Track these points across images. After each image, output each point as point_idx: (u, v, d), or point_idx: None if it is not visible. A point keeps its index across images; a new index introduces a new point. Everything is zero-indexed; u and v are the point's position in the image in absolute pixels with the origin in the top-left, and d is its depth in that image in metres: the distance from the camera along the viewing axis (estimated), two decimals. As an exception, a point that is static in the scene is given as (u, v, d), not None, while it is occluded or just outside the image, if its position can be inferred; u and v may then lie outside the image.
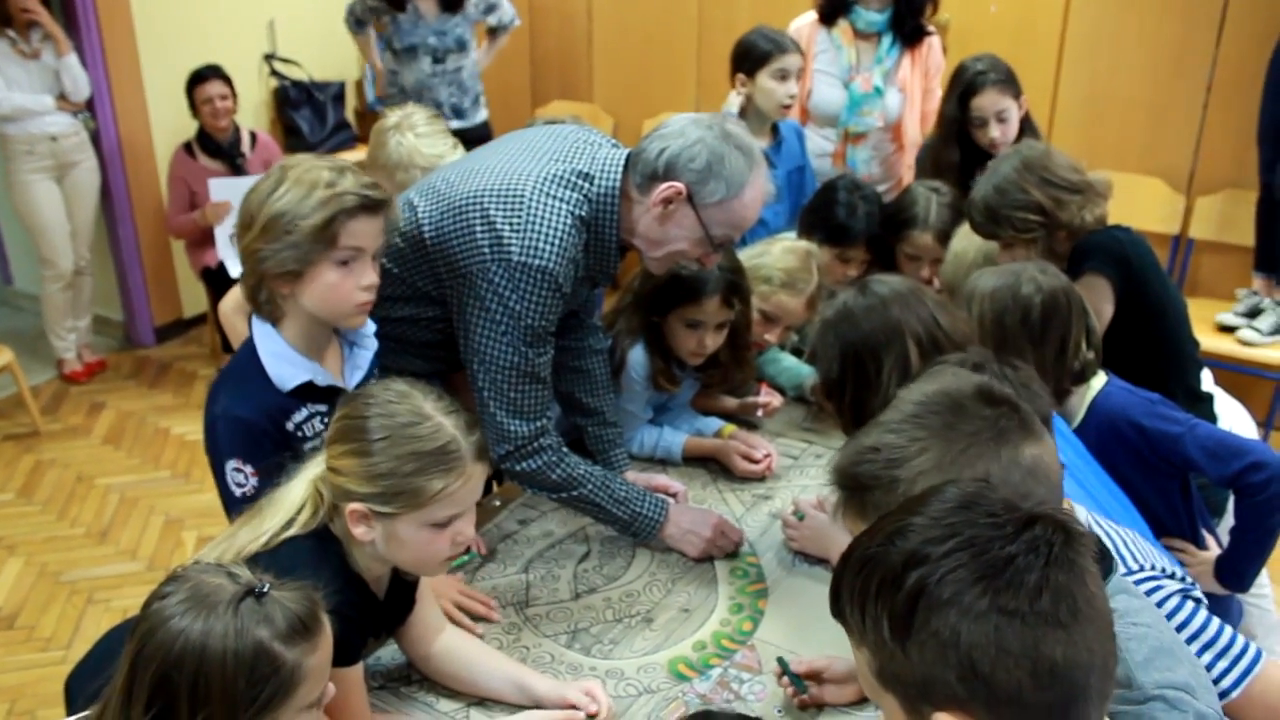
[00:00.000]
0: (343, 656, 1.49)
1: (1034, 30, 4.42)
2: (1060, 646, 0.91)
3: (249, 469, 1.74)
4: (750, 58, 3.16)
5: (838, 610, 1.03)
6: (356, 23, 4.76)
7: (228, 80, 4.73)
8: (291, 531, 1.49)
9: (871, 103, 3.45)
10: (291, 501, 1.52)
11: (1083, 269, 2.40)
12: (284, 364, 1.79)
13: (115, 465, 4.29)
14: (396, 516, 1.48)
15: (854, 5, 3.41)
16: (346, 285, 1.76)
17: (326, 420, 1.77)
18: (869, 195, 2.89)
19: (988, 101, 3.03)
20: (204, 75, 4.67)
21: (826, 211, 2.86)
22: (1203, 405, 2.45)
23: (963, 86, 3.08)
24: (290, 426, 1.78)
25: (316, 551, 1.50)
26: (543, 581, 2.07)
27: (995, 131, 3.04)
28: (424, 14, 4.55)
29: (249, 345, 1.83)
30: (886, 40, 3.44)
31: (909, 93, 3.50)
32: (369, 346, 1.94)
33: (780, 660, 1.76)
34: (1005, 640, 0.90)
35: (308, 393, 1.80)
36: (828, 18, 3.48)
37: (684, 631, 1.93)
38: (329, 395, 1.80)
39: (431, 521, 1.50)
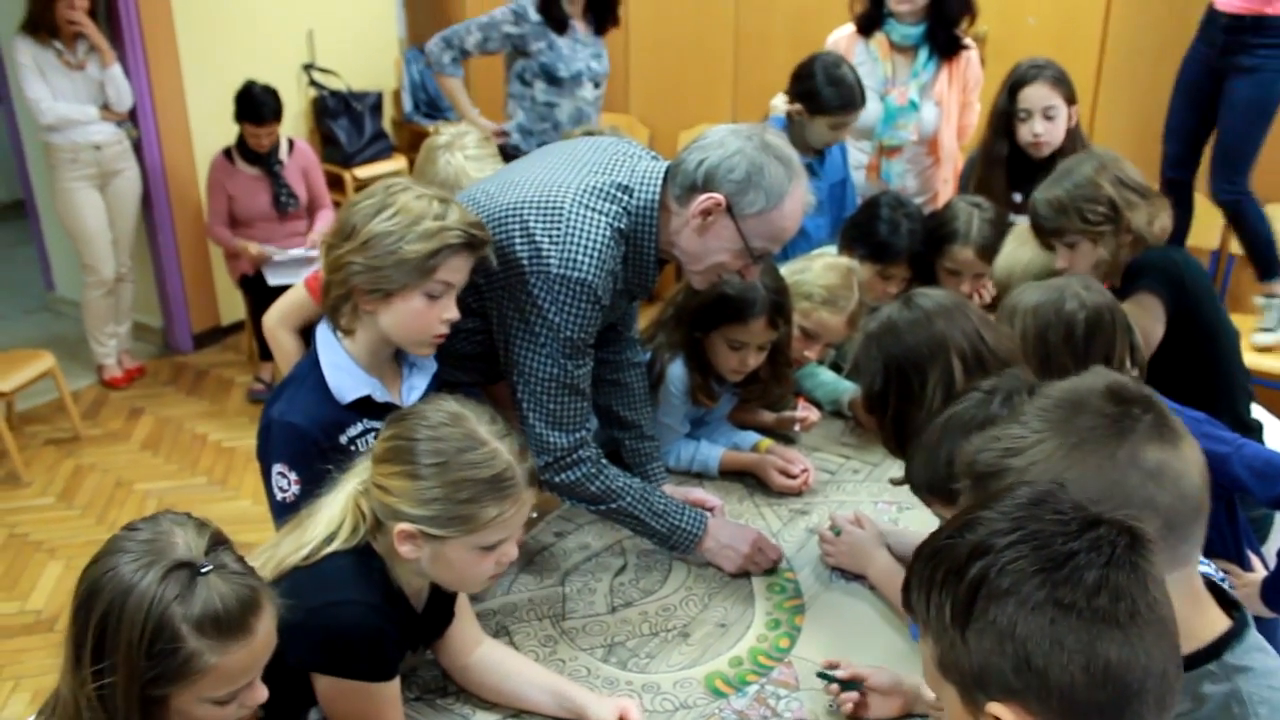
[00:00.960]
0: (380, 672, 1.50)
1: (1074, 43, 4.39)
2: (1115, 646, 0.92)
3: (293, 476, 1.75)
4: (815, 101, 3.10)
5: (908, 600, 1.05)
6: (455, 57, 4.14)
7: (278, 113, 4.69)
8: (333, 546, 1.50)
9: (906, 116, 3.44)
10: (332, 515, 1.53)
11: (1136, 287, 2.38)
12: (345, 376, 1.81)
13: (153, 471, 4.34)
14: (446, 540, 1.48)
15: (889, 18, 3.40)
16: (430, 315, 1.79)
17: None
18: (912, 213, 2.86)
19: (1036, 94, 3.01)
20: (262, 116, 4.61)
21: (869, 228, 2.83)
22: (1252, 435, 2.42)
23: (1015, 78, 3.07)
24: (344, 440, 1.80)
25: (358, 568, 1.51)
26: (579, 594, 2.07)
27: (1039, 126, 3.01)
28: (581, 36, 4.15)
29: (312, 354, 1.85)
30: (923, 53, 3.43)
31: (945, 106, 3.48)
32: (427, 370, 1.95)
33: (821, 675, 1.76)
34: (1060, 634, 0.92)
35: (365, 408, 1.82)
36: (865, 29, 3.47)
37: (720, 647, 1.92)
38: (385, 412, 1.81)
39: (481, 545, 1.51)
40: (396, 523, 1.49)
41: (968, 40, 3.49)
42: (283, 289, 4.56)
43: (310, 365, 1.84)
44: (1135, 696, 0.93)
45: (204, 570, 1.24)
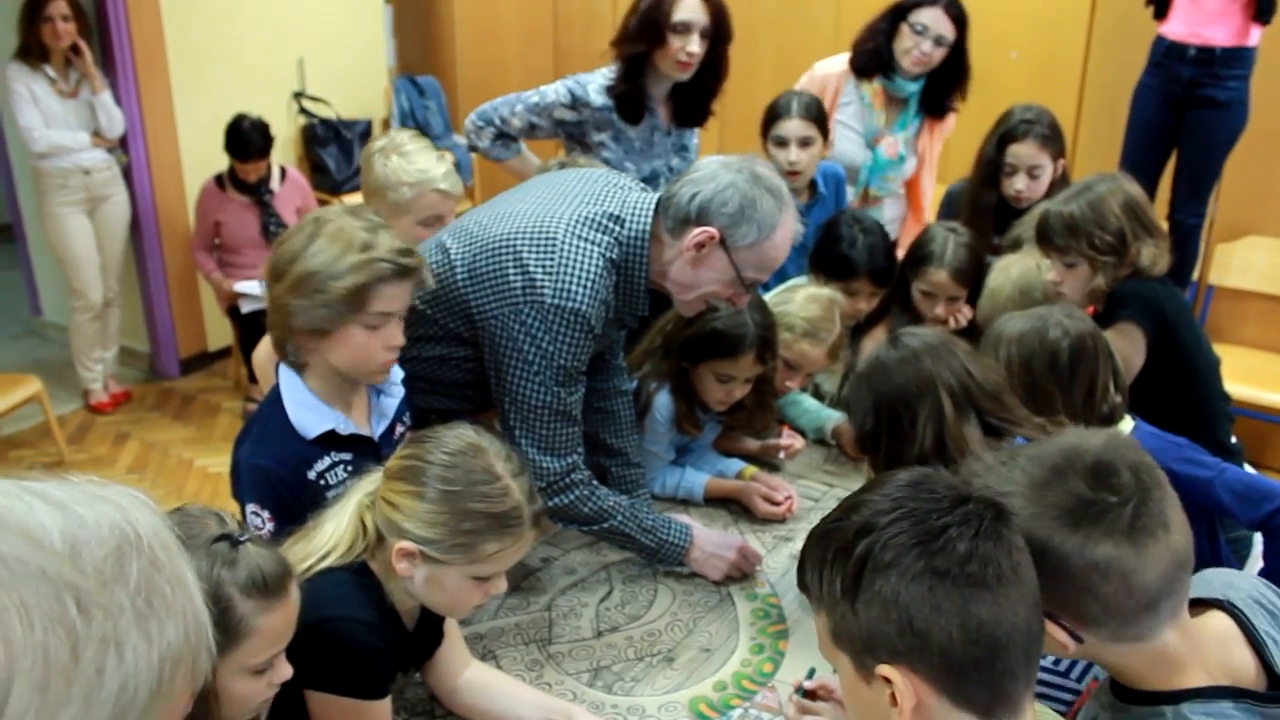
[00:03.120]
0: (373, 690, 1.52)
1: (1055, 78, 4.47)
2: (986, 607, 1.04)
3: (266, 514, 1.76)
4: (763, 122, 3.14)
5: (802, 580, 1.16)
6: (497, 136, 3.13)
7: (265, 149, 4.72)
8: (330, 560, 1.52)
9: (896, 169, 3.47)
10: (338, 526, 1.55)
11: (1117, 316, 2.42)
12: (307, 412, 1.81)
13: (139, 496, 4.33)
14: (444, 564, 1.51)
15: (893, 70, 3.37)
16: (372, 345, 1.78)
17: (350, 468, 1.80)
18: (869, 228, 2.86)
19: (1025, 151, 3.03)
20: (247, 153, 4.65)
21: (829, 248, 2.85)
22: (1233, 459, 2.46)
23: (1005, 129, 3.08)
24: (312, 475, 1.79)
25: (355, 584, 1.53)
26: (565, 619, 2.09)
27: (1021, 184, 3.04)
28: (660, 126, 3.12)
29: (275, 392, 1.84)
30: (912, 106, 3.44)
31: (925, 157, 3.52)
32: (395, 394, 1.96)
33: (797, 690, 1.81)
34: (938, 599, 1.04)
35: (331, 440, 1.82)
36: (864, 72, 3.43)
37: (705, 671, 1.95)
38: (353, 443, 1.83)
39: (476, 575, 1.53)
40: (399, 539, 1.51)
41: (957, 105, 3.49)
42: (256, 314, 4.65)
43: (274, 402, 1.83)
44: (1004, 650, 1.05)
45: (242, 539, 1.33)
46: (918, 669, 1.05)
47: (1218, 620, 1.34)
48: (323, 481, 1.80)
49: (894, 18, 3.33)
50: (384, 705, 1.57)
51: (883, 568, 1.05)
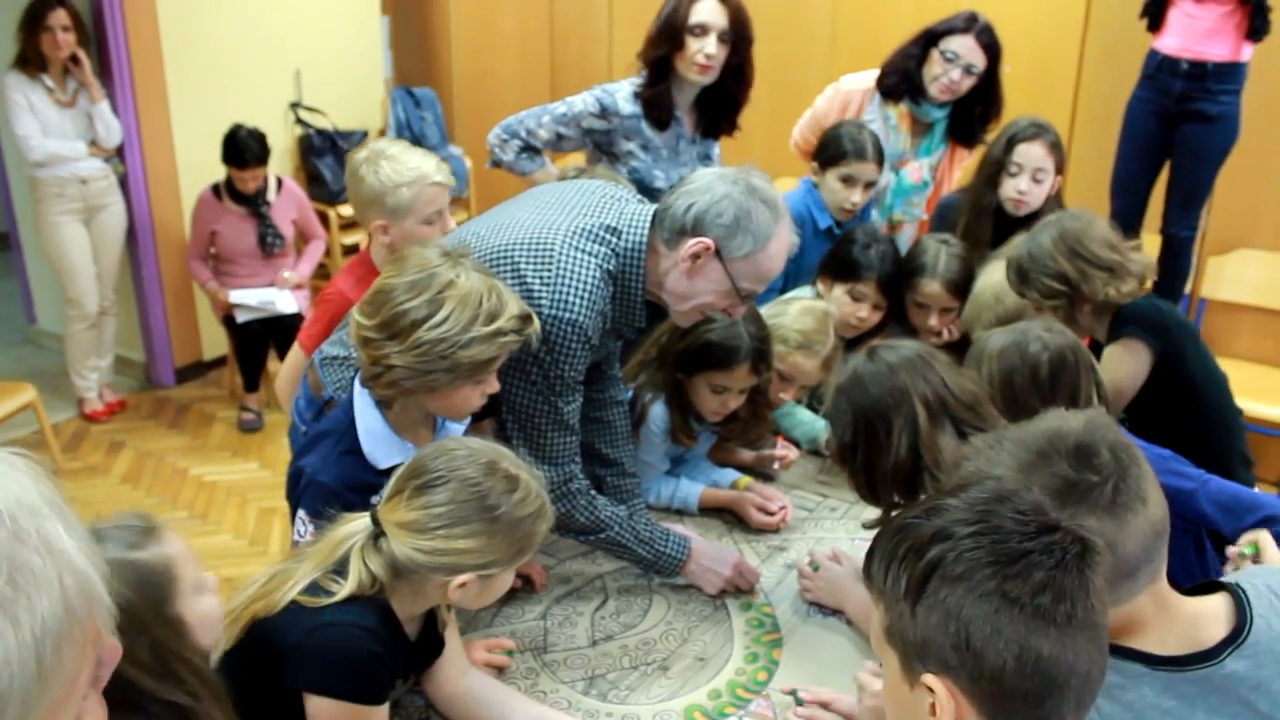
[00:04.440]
0: (373, 695, 1.54)
1: (1049, 92, 4.49)
2: (1049, 643, 1.01)
3: (311, 526, 1.78)
4: (826, 151, 3.12)
5: (868, 569, 1.13)
6: (522, 149, 3.10)
7: (262, 158, 4.74)
8: (336, 599, 1.53)
9: (920, 194, 3.46)
10: (327, 565, 1.56)
11: (1121, 333, 2.45)
12: (380, 444, 1.83)
13: (133, 504, 4.32)
14: (501, 574, 1.59)
15: (920, 95, 3.33)
16: (474, 395, 1.82)
17: None
18: (882, 238, 2.91)
19: (1033, 154, 3.02)
20: (245, 161, 4.67)
21: (842, 250, 2.89)
22: (1252, 468, 2.50)
23: (1015, 130, 3.07)
24: (375, 500, 1.78)
25: (365, 604, 1.54)
26: (560, 627, 2.10)
27: (1025, 184, 3.03)
28: (687, 134, 3.15)
29: (348, 412, 1.86)
30: (938, 132, 3.42)
31: (942, 183, 3.51)
32: (463, 421, 1.98)
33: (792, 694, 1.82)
34: (1001, 623, 1.01)
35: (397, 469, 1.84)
36: (892, 94, 3.38)
37: (700, 679, 1.95)
38: None
39: (520, 565, 1.62)
40: (453, 576, 1.53)
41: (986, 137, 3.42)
42: (251, 324, 4.67)
43: (346, 425, 1.84)
44: (1058, 691, 1.02)
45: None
46: (964, 686, 1.03)
47: (1212, 601, 1.39)
48: None
49: (925, 43, 3.30)
50: (382, 711, 1.57)
51: (951, 579, 1.03)
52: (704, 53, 2.92)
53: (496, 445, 1.62)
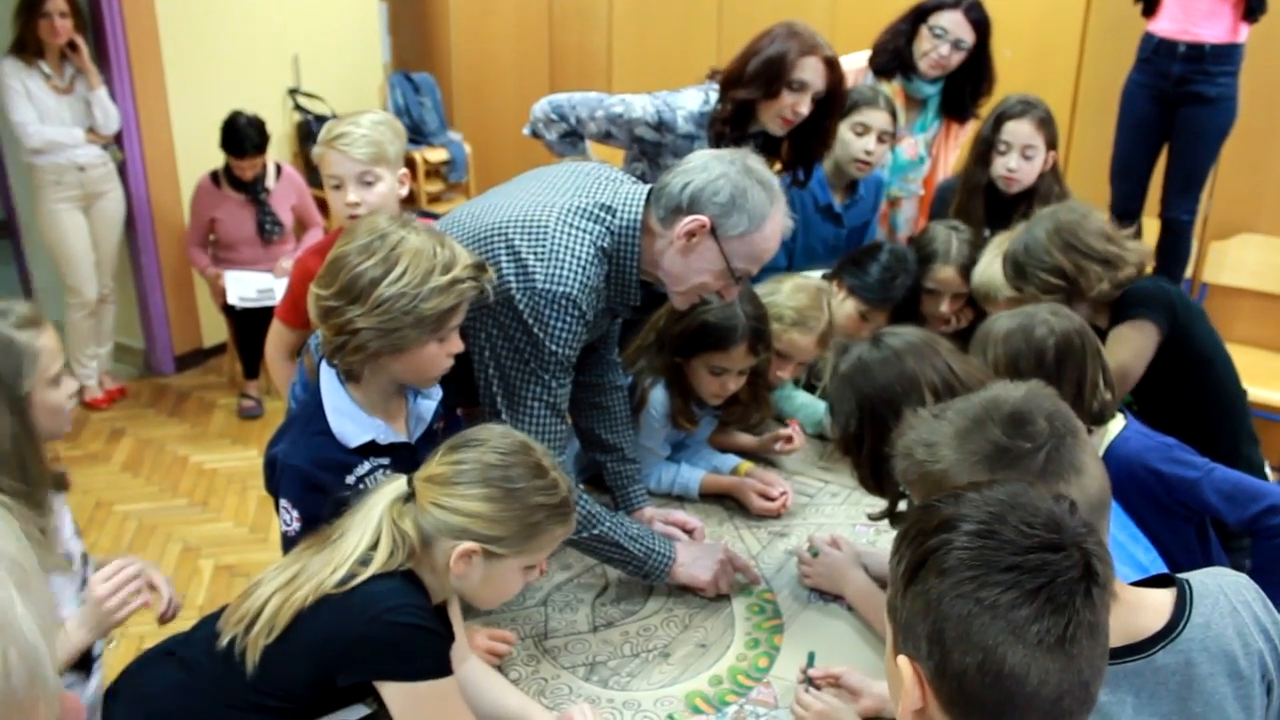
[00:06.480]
0: (446, 667, 1.57)
1: (1050, 77, 4.47)
2: (1016, 659, 0.98)
3: (296, 513, 1.78)
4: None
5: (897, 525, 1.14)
6: (565, 134, 2.99)
7: (261, 146, 4.72)
8: (371, 570, 1.52)
9: (916, 170, 3.46)
10: (363, 535, 1.56)
11: (1129, 314, 2.45)
12: (349, 422, 1.82)
13: (134, 492, 4.34)
14: (504, 558, 1.57)
15: (912, 71, 3.35)
16: (440, 356, 1.82)
17: (389, 472, 1.80)
18: (910, 269, 2.87)
19: (1020, 130, 3.03)
20: (243, 149, 4.66)
21: (867, 267, 2.85)
22: (1258, 450, 2.50)
23: (1003, 108, 3.09)
24: (351, 479, 1.81)
25: (404, 581, 1.55)
26: (561, 614, 2.10)
27: (1014, 162, 3.03)
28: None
29: (315, 395, 1.85)
30: (932, 109, 3.43)
31: (939, 159, 3.52)
32: (434, 396, 1.97)
33: (810, 656, 1.84)
34: (970, 628, 0.99)
35: (371, 448, 1.83)
36: (883, 71, 3.40)
37: (700, 666, 1.95)
38: (391, 450, 1.85)
39: (529, 564, 1.61)
40: (459, 541, 1.54)
41: (980, 109, 3.45)
42: (252, 311, 4.66)
43: (314, 407, 1.84)
44: (1017, 711, 0.99)
45: None
46: (930, 680, 1.03)
47: (1158, 594, 1.39)
48: (362, 486, 1.81)
49: (915, 19, 3.32)
50: (455, 681, 1.59)
51: (939, 572, 1.02)
52: (795, 109, 2.78)
53: (541, 445, 1.65)
